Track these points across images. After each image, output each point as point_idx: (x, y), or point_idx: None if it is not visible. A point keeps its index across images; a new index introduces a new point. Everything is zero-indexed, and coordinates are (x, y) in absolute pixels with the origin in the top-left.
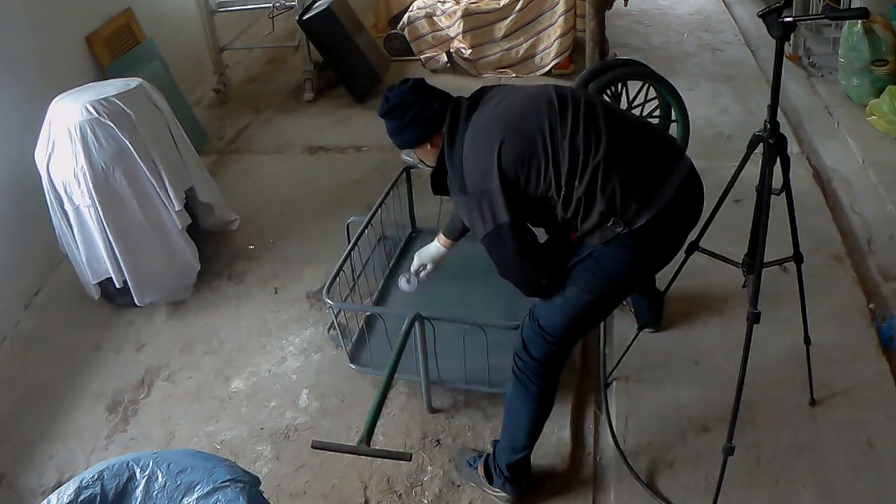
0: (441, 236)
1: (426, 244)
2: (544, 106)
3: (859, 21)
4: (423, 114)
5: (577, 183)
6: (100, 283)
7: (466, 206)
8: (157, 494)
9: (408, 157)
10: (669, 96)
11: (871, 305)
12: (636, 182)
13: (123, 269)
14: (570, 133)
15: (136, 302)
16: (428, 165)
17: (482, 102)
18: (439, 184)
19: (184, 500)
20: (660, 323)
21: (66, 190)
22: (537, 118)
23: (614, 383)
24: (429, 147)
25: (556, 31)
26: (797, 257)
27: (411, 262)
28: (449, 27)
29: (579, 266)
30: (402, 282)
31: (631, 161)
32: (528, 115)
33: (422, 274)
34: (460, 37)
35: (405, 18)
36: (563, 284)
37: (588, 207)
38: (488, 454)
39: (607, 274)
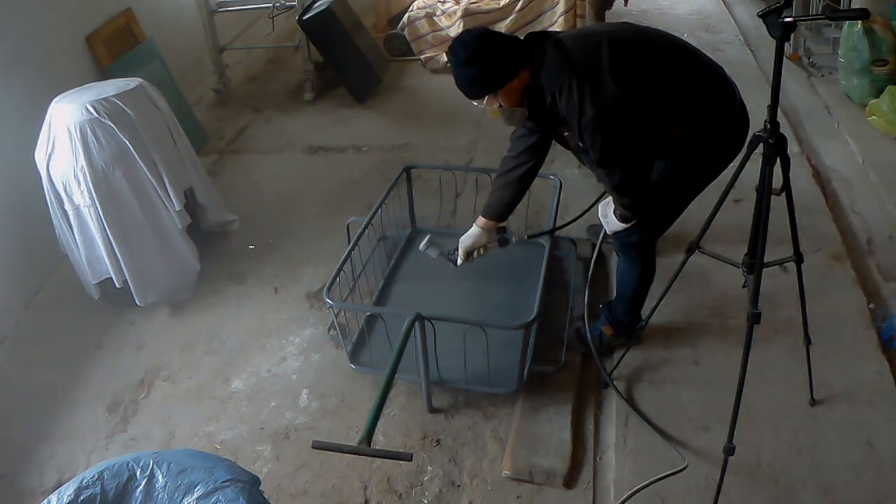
0: (479, 218)
1: (426, 244)
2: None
3: (859, 21)
4: (507, 51)
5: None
6: (100, 283)
7: None
8: (157, 494)
9: (427, 249)
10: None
11: (871, 305)
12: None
13: (123, 269)
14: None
15: (137, 302)
16: (506, 106)
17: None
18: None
19: (184, 500)
20: None
21: (66, 190)
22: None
23: (614, 383)
24: (516, 83)
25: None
26: (797, 257)
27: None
28: (449, 27)
29: None
30: (422, 244)
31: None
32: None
33: (458, 261)
34: None
35: (405, 18)
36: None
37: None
38: (606, 317)
39: None
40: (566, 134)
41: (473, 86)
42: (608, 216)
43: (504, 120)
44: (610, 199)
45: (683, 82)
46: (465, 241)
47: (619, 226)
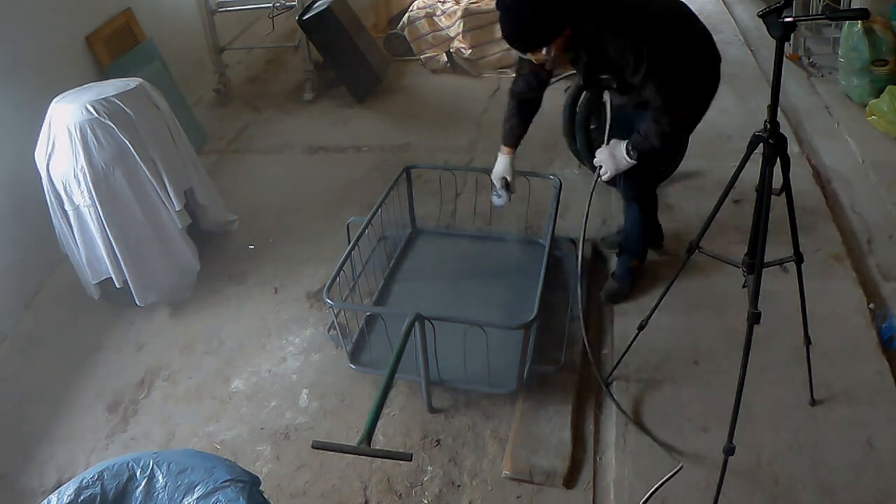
0: (502, 147)
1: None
2: None
3: (859, 21)
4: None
5: None
6: (100, 283)
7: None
8: (157, 495)
9: (498, 199)
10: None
11: (871, 305)
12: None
13: (123, 269)
14: None
15: (137, 302)
16: (556, 54)
17: None
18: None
19: (184, 500)
20: (662, 242)
21: (66, 190)
22: None
23: (614, 383)
24: (568, 31)
25: None
26: (797, 257)
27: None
28: (449, 27)
29: None
30: (494, 198)
31: None
32: None
33: (502, 189)
34: (460, 37)
35: (405, 18)
36: None
37: None
38: (626, 255)
39: None
40: (605, 79)
41: (536, 37)
42: (616, 156)
43: (549, 66)
44: (612, 144)
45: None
46: (498, 171)
47: (628, 163)
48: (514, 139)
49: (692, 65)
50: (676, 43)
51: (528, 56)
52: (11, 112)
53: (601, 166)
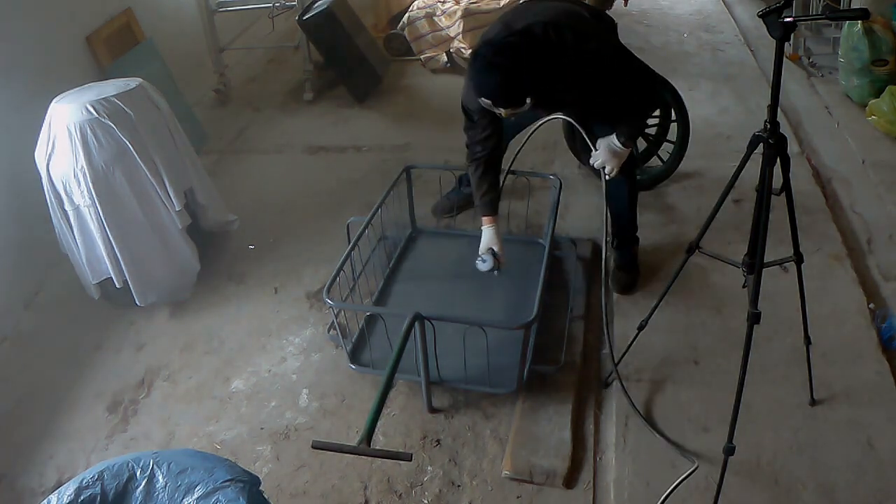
0: (483, 218)
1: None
2: None
3: (859, 21)
4: (532, 61)
5: None
6: (100, 283)
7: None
8: (157, 495)
9: (483, 263)
10: (669, 96)
11: (871, 305)
12: None
13: (123, 269)
14: None
15: (137, 302)
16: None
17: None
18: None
19: (184, 500)
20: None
21: (66, 190)
22: None
23: (614, 383)
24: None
25: None
26: (797, 257)
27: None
28: (449, 27)
29: None
30: (479, 263)
31: None
32: None
33: (488, 256)
34: (460, 37)
35: (405, 18)
36: None
37: None
38: (627, 245)
39: None
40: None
41: (524, 91)
42: (615, 151)
43: (513, 117)
44: (603, 143)
45: None
46: (485, 243)
47: (625, 152)
48: (493, 207)
49: (625, 49)
50: (615, 41)
51: (501, 111)
52: (11, 112)
53: (605, 166)
